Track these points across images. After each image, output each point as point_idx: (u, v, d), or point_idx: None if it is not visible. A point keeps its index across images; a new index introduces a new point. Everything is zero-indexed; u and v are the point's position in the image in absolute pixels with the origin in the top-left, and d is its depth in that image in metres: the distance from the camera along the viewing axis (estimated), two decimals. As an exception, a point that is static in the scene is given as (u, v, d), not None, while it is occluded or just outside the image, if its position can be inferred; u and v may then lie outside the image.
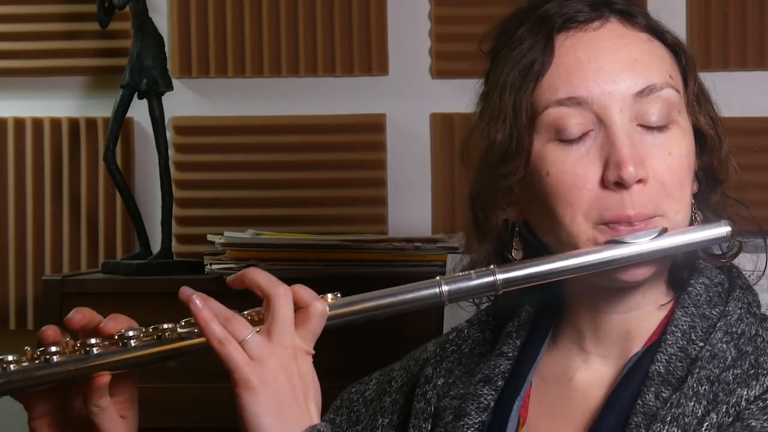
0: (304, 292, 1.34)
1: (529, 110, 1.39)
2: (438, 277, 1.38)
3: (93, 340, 1.33)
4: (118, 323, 1.37)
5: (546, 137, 1.39)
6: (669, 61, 1.43)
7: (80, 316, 1.36)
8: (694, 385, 1.34)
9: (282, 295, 1.32)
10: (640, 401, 1.36)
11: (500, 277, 1.37)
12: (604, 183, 1.36)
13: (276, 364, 1.30)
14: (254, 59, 2.72)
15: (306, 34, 2.70)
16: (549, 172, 1.38)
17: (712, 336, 1.39)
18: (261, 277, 1.33)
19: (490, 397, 1.45)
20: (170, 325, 1.35)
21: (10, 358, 1.33)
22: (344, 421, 1.57)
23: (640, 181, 1.36)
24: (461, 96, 2.69)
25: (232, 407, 1.31)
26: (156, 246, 2.53)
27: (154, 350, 1.34)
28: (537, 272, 1.39)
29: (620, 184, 1.35)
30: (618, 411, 1.38)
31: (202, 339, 1.33)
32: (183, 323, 1.35)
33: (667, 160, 1.38)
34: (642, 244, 1.36)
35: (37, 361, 1.33)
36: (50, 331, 1.36)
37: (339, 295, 1.37)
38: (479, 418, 1.44)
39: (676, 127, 1.40)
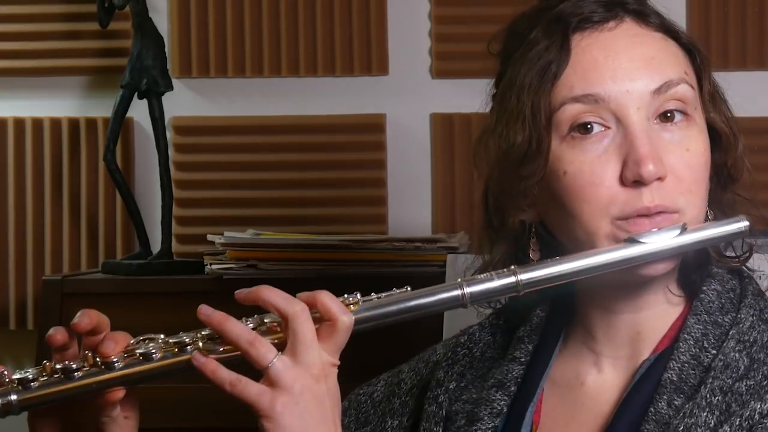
0: (332, 304, 1.32)
1: (546, 110, 1.39)
2: (459, 279, 1.37)
3: (114, 358, 1.31)
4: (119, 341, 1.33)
5: (562, 135, 1.39)
6: (683, 59, 1.44)
7: (87, 320, 1.32)
8: (708, 396, 1.34)
9: (300, 313, 1.30)
10: (652, 408, 1.36)
11: (522, 277, 1.37)
12: (622, 181, 1.37)
13: (302, 388, 1.28)
14: (254, 59, 2.71)
15: (306, 34, 2.70)
16: (566, 171, 1.38)
17: (724, 344, 1.39)
18: (277, 297, 1.31)
19: (503, 402, 1.45)
20: (191, 336, 1.32)
21: (30, 375, 1.30)
22: (352, 422, 1.57)
23: (659, 178, 1.36)
24: (461, 96, 2.70)
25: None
26: (156, 246, 2.53)
27: (174, 360, 1.32)
28: (558, 272, 1.38)
29: (639, 182, 1.36)
30: (630, 418, 1.38)
31: (226, 347, 1.31)
32: (203, 334, 1.33)
33: (685, 156, 1.39)
34: (662, 242, 1.36)
35: (56, 376, 1.31)
36: (59, 335, 1.32)
37: (359, 295, 1.35)
38: (492, 423, 1.44)
39: (692, 123, 1.41)
